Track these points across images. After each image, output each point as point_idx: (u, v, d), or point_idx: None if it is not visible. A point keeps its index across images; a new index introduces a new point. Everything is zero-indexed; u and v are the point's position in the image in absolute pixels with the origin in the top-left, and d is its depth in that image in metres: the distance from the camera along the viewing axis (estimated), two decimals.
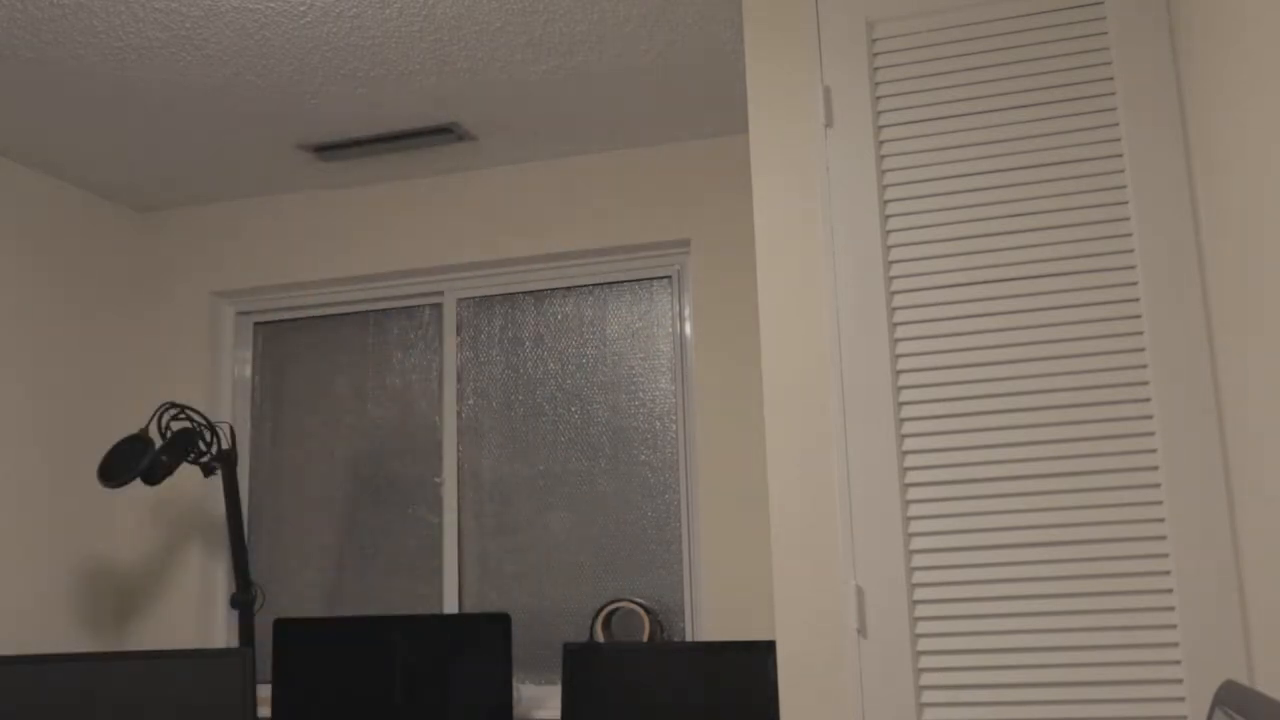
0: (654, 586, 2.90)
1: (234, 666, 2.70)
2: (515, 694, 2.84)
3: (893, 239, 1.93)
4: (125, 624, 3.17)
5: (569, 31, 2.37)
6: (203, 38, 2.34)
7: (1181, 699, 1.71)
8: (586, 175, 3.01)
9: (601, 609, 2.79)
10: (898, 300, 1.91)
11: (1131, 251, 1.82)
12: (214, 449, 2.83)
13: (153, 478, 2.73)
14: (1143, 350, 1.80)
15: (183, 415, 2.80)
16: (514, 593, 3.00)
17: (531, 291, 3.14)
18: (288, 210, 3.26)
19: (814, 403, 1.93)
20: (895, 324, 1.91)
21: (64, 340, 3.08)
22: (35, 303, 3.00)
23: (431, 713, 2.35)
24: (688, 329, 2.96)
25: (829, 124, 1.99)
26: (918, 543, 1.84)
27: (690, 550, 2.86)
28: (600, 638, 2.76)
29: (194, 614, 3.12)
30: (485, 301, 3.18)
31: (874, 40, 1.99)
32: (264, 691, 2.96)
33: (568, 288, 3.11)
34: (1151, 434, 1.77)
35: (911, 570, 1.84)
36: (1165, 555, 1.74)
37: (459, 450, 3.11)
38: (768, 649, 2.52)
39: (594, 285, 3.09)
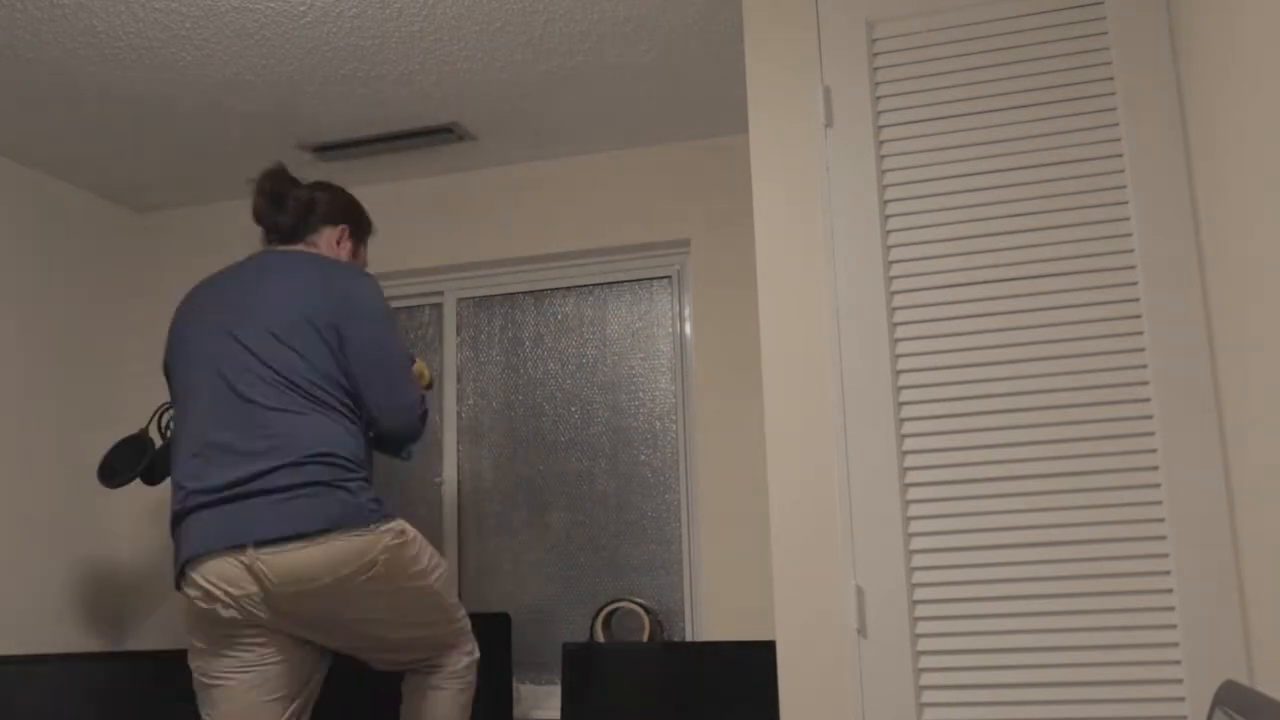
0: (654, 586, 2.90)
1: None
2: (515, 694, 2.84)
3: (893, 239, 1.93)
4: (125, 624, 3.17)
5: (569, 31, 2.37)
6: (202, 38, 2.34)
7: (1181, 699, 1.71)
8: (586, 175, 3.01)
9: (601, 609, 2.79)
10: (898, 300, 1.91)
11: (1131, 251, 1.82)
12: None
13: (152, 478, 2.72)
14: (1143, 350, 1.80)
15: None
16: (514, 593, 3.00)
17: (531, 291, 3.14)
18: None
19: (814, 402, 1.94)
20: (895, 324, 1.91)
21: (64, 340, 3.08)
22: (35, 302, 3.00)
23: None
24: (688, 329, 2.96)
25: (829, 124, 1.99)
26: (918, 543, 1.84)
27: (690, 550, 2.86)
28: (600, 638, 2.76)
29: None
30: (485, 301, 3.18)
31: (874, 40, 1.99)
32: None
33: (568, 288, 3.11)
34: (1151, 434, 1.77)
35: (911, 570, 1.84)
36: (1165, 555, 1.74)
37: (459, 450, 3.11)
38: (768, 649, 2.52)
39: (594, 285, 3.09)
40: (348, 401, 2.13)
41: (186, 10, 2.23)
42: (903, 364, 1.89)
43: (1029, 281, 1.86)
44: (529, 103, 2.70)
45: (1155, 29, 1.86)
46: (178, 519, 2.08)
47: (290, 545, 1.97)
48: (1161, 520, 1.75)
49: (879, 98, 1.98)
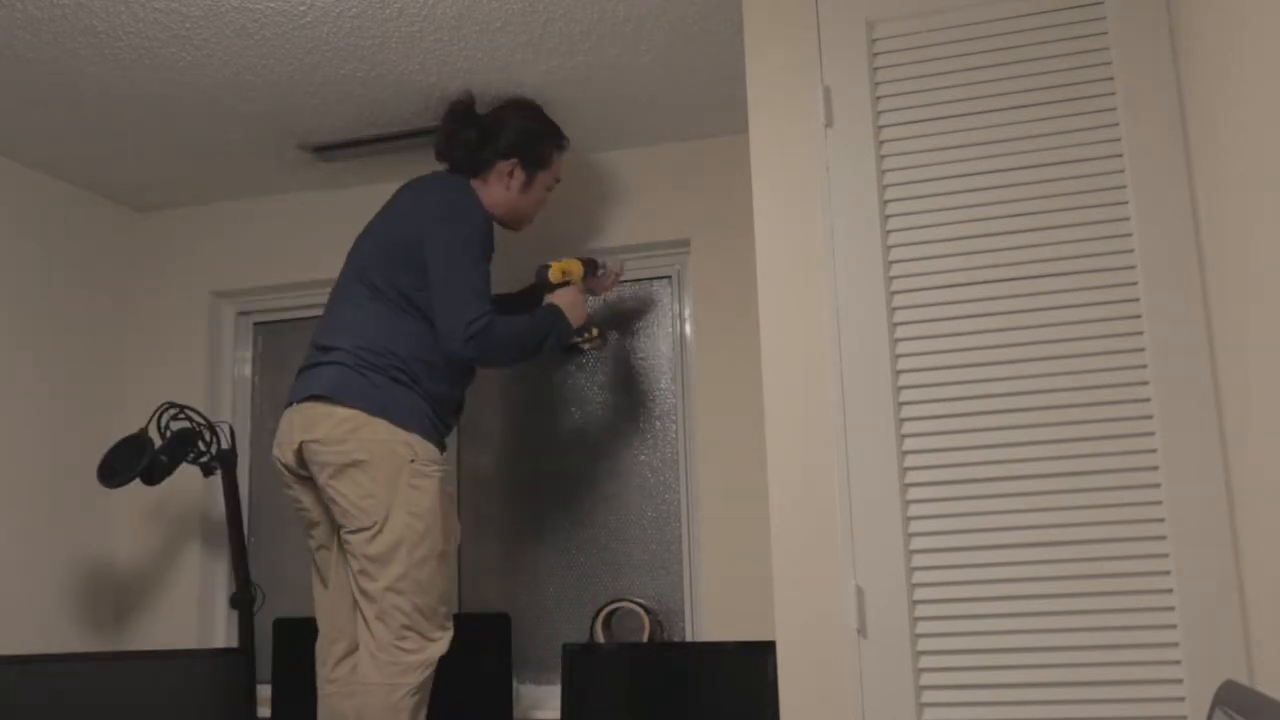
0: (654, 586, 2.90)
1: (234, 666, 2.70)
2: (515, 694, 2.84)
3: (893, 239, 1.93)
4: (125, 624, 3.17)
5: (569, 31, 2.37)
6: (202, 38, 2.34)
7: (1181, 699, 1.71)
8: (586, 175, 3.01)
9: (601, 609, 2.79)
10: (898, 300, 1.91)
11: (1131, 251, 1.82)
12: (214, 449, 2.83)
13: (152, 478, 2.73)
14: (1143, 350, 1.80)
15: (182, 415, 2.80)
16: (514, 593, 3.00)
17: None
18: (288, 210, 3.26)
19: (814, 402, 1.94)
20: (895, 324, 1.91)
21: (63, 340, 3.08)
22: (35, 302, 3.00)
23: (431, 712, 2.35)
24: (688, 329, 2.96)
25: (829, 124, 1.99)
26: (918, 543, 1.84)
27: (690, 550, 2.86)
28: (600, 638, 2.76)
29: (194, 614, 3.11)
30: None
31: (874, 40, 1.99)
32: (264, 691, 2.95)
33: None
34: (1151, 434, 1.77)
35: (911, 570, 1.84)
36: (1165, 555, 1.74)
37: (459, 450, 3.11)
38: (768, 649, 2.52)
39: None
40: (414, 302, 2.35)
41: (186, 10, 2.23)
42: (903, 364, 1.89)
43: (1029, 281, 1.86)
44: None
45: (1155, 29, 1.86)
46: None
47: (306, 404, 2.32)
48: (1161, 520, 1.75)
49: (879, 98, 1.98)
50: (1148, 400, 1.78)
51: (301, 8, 2.24)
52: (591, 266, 2.63)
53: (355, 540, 2.24)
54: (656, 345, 3.01)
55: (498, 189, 2.54)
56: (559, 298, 2.51)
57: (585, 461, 3.01)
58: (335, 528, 2.34)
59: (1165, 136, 1.83)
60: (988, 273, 1.88)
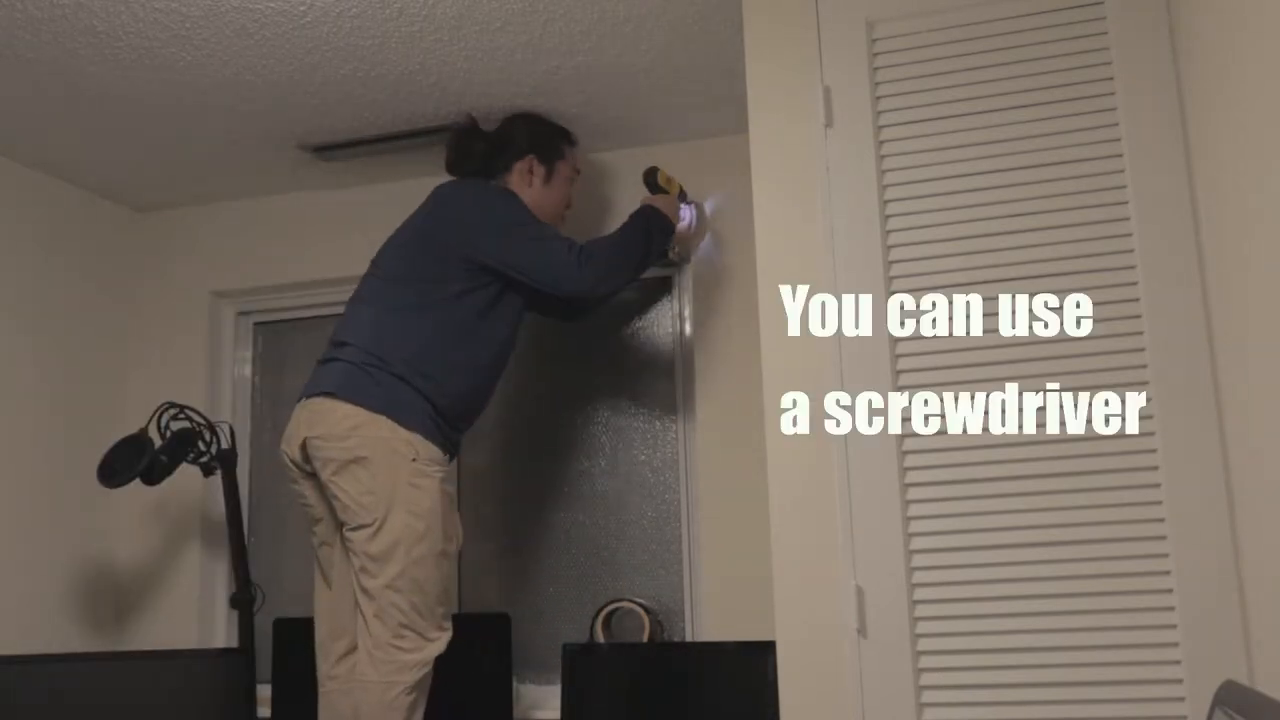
0: (654, 586, 2.90)
1: (234, 666, 2.70)
2: (515, 694, 2.84)
3: (893, 239, 1.93)
4: (125, 624, 3.17)
5: (569, 31, 2.37)
6: (202, 38, 2.34)
7: (1181, 699, 1.71)
8: (586, 175, 3.00)
9: (601, 609, 2.79)
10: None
11: (1131, 251, 1.82)
12: (214, 449, 2.83)
13: (152, 478, 2.73)
14: (1143, 350, 1.80)
15: (183, 415, 2.80)
16: (514, 593, 3.00)
17: None
18: (288, 210, 3.26)
19: (814, 402, 1.93)
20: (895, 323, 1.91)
21: (63, 340, 3.08)
22: (35, 302, 3.00)
23: (431, 712, 2.35)
24: (688, 329, 2.96)
25: (829, 124, 1.99)
26: (918, 543, 1.84)
27: (690, 550, 2.86)
28: (600, 638, 2.76)
29: (194, 614, 3.11)
30: None
31: (874, 40, 1.99)
32: (264, 691, 2.95)
33: None
34: (1152, 434, 1.77)
35: (911, 570, 1.84)
36: (1165, 555, 1.74)
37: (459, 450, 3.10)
38: (768, 649, 2.52)
39: None
40: (435, 301, 2.37)
41: (186, 10, 2.23)
42: (903, 364, 1.89)
43: (1029, 282, 1.86)
44: (529, 103, 2.69)
45: (1155, 29, 1.86)
46: None
47: (314, 400, 2.33)
48: (1161, 520, 1.75)
49: (879, 98, 1.98)
50: (1148, 400, 1.78)
51: (301, 8, 2.24)
52: (684, 196, 2.72)
53: (356, 537, 2.24)
54: (656, 345, 3.01)
55: (521, 189, 2.58)
56: (655, 200, 2.59)
57: (585, 461, 3.00)
58: (338, 525, 2.34)
59: (1165, 136, 1.83)
60: (988, 273, 1.88)
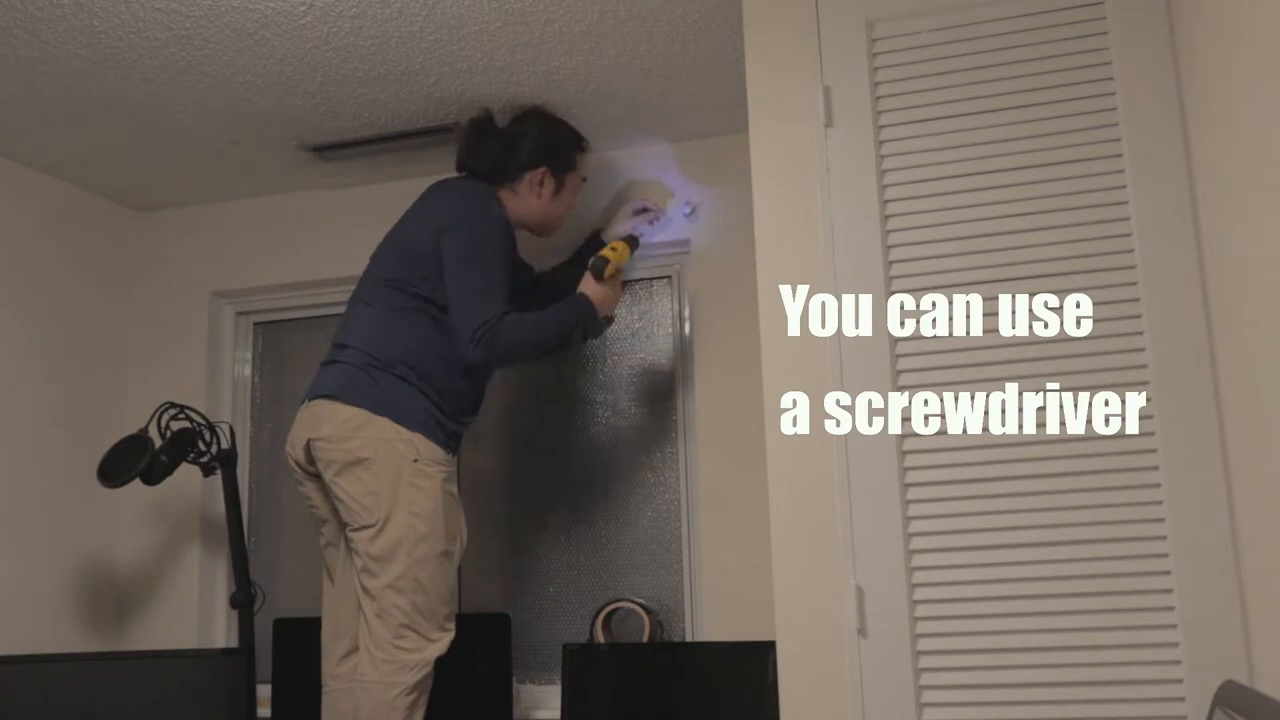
0: (654, 586, 2.90)
1: (234, 666, 2.70)
2: (515, 694, 2.84)
3: (893, 239, 1.93)
4: (125, 624, 3.17)
5: (569, 31, 2.37)
6: (203, 38, 2.34)
7: (1181, 699, 1.71)
8: (586, 175, 3.00)
9: (601, 609, 2.79)
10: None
11: (1132, 251, 1.82)
12: (214, 449, 2.83)
13: (152, 478, 2.72)
14: (1143, 351, 1.80)
15: (183, 415, 2.80)
16: (514, 593, 3.00)
17: None
18: (288, 210, 3.26)
19: (814, 402, 1.93)
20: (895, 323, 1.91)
21: (63, 340, 3.08)
22: (35, 302, 3.00)
23: (431, 712, 2.35)
24: (688, 329, 2.96)
25: (829, 124, 1.99)
26: (918, 543, 1.84)
27: (690, 550, 2.86)
28: (600, 638, 2.76)
29: (194, 614, 3.11)
30: None
31: (874, 40, 1.99)
32: (264, 691, 2.95)
33: None
34: (1152, 434, 1.77)
35: (911, 570, 1.84)
36: (1165, 555, 1.74)
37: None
38: (768, 649, 2.52)
39: None
40: (430, 302, 2.37)
41: (186, 10, 2.23)
42: (903, 364, 1.89)
43: (1029, 282, 1.86)
44: (529, 102, 2.69)
45: (1155, 29, 1.86)
46: None
47: (316, 401, 2.35)
48: (1161, 520, 1.75)
49: (879, 98, 1.98)
50: (1148, 400, 1.78)
51: (301, 8, 2.24)
52: (634, 243, 2.61)
53: (358, 538, 2.24)
54: (656, 345, 3.01)
55: (530, 199, 2.56)
56: (595, 291, 2.45)
57: (585, 461, 3.00)
58: (343, 525, 2.35)
59: (1165, 136, 1.83)
60: (988, 273, 1.88)
